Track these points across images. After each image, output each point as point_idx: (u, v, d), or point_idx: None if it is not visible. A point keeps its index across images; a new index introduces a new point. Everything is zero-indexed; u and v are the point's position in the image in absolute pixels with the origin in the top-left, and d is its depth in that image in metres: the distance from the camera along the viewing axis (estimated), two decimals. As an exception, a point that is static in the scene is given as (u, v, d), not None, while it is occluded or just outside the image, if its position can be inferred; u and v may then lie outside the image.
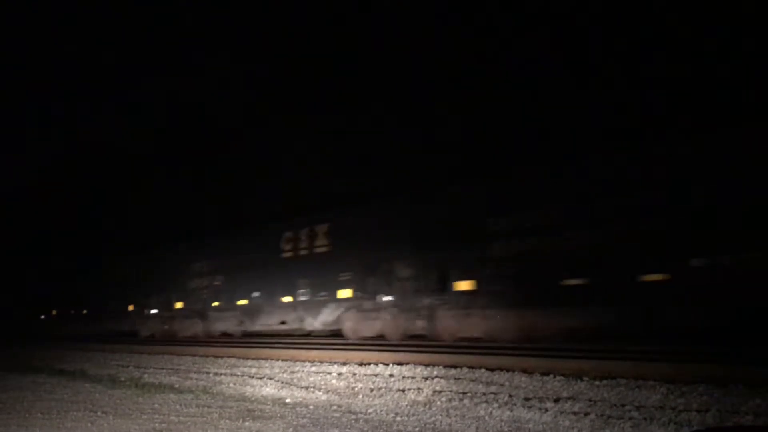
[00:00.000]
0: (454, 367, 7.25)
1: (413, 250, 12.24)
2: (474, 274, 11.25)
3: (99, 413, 5.75)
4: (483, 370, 6.92)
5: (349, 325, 13.60)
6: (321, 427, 4.92)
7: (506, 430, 4.72)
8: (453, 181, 12.81)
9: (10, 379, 8.94)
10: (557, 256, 10.11)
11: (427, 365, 7.56)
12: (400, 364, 7.83)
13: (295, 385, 7.03)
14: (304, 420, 5.20)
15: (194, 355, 11.44)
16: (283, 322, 15.33)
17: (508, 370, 6.81)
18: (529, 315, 10.28)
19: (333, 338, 14.24)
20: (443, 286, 11.64)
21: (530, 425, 4.80)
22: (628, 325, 9.22)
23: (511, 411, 5.17)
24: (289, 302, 15.24)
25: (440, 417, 5.18)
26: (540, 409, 5.13)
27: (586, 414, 4.86)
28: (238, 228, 19.14)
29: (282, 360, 9.59)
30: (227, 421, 5.24)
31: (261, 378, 7.72)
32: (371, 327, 13.12)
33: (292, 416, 5.38)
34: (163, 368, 9.68)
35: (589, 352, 8.24)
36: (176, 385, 7.67)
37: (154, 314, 21.06)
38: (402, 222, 12.70)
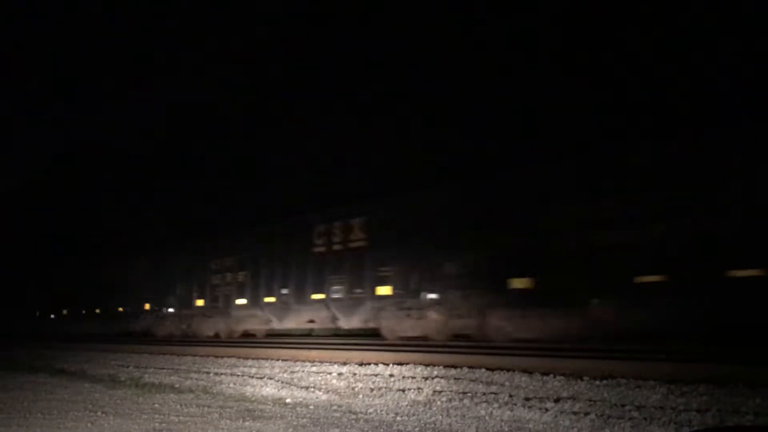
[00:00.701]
0: (454, 367, 7.25)
1: (180, 280, 19.60)
2: (204, 295, 18.42)
3: (99, 413, 5.75)
4: (483, 369, 6.91)
5: (154, 329, 20.52)
6: (321, 427, 4.92)
7: (506, 429, 4.72)
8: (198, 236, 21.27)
9: (10, 379, 8.95)
10: (235, 286, 17.14)
11: (427, 365, 7.56)
12: (400, 364, 7.82)
13: (295, 385, 7.03)
14: (304, 420, 5.20)
15: (194, 355, 11.44)
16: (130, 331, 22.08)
17: (508, 370, 6.80)
18: (225, 321, 17.57)
19: (333, 338, 14.35)
20: (191, 303, 18.96)
21: (530, 425, 4.80)
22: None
23: (512, 411, 5.17)
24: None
25: (440, 417, 5.18)
26: (540, 408, 5.13)
27: (587, 414, 4.86)
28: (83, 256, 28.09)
29: (282, 360, 9.59)
30: (227, 421, 5.24)
31: (261, 378, 7.71)
32: (164, 329, 20.13)
33: (292, 416, 5.38)
34: (163, 368, 9.68)
35: (590, 352, 8.24)
36: (176, 385, 7.67)
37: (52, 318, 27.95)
38: (173, 262, 20.25)
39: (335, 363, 8.43)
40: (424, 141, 25.01)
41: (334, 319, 13.92)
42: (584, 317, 9.47)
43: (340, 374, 7.46)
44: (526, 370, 6.75)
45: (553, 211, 9.97)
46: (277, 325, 15.74)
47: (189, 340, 17.45)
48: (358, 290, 13.27)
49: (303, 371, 7.94)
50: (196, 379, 8.15)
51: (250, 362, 9.48)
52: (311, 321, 14.61)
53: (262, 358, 9.88)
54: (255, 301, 16.14)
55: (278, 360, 9.58)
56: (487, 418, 5.08)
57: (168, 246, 21.95)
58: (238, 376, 8.09)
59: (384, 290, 12.65)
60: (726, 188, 8.43)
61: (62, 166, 39.81)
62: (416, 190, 13.26)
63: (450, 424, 4.92)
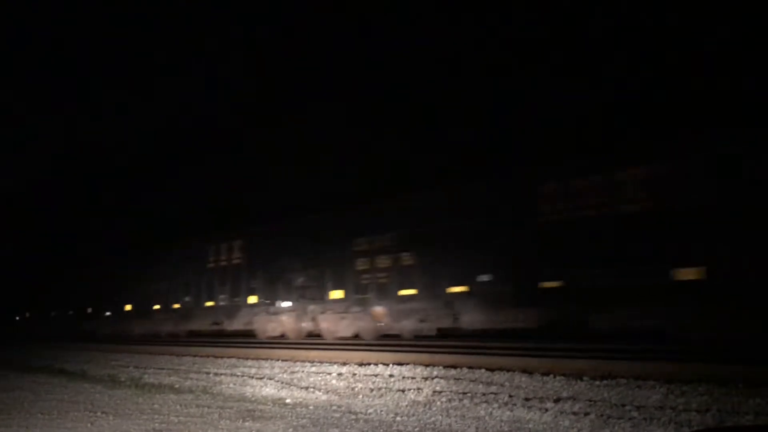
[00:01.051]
0: (454, 367, 7.24)
1: (115, 287, 22.22)
2: (132, 300, 21.32)
3: (99, 413, 5.75)
4: (483, 370, 6.90)
5: (96, 328, 22.94)
6: (321, 427, 4.91)
7: (506, 430, 4.71)
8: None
9: (11, 379, 8.95)
10: (154, 293, 20.01)
11: (427, 365, 7.55)
12: (400, 364, 7.82)
13: (295, 386, 7.03)
14: (304, 420, 5.20)
15: (194, 356, 11.43)
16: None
17: (508, 370, 6.80)
18: (148, 323, 20.16)
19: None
20: (123, 307, 21.67)
21: (530, 425, 4.80)
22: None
23: (512, 411, 5.17)
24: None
25: (440, 417, 5.18)
26: (540, 409, 5.13)
27: (586, 414, 4.86)
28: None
29: (282, 360, 9.57)
30: (227, 421, 5.24)
31: (261, 378, 7.71)
32: (104, 329, 22.63)
33: (292, 416, 5.38)
34: (163, 368, 9.68)
35: (589, 352, 8.23)
36: (176, 386, 7.67)
37: None
38: (111, 271, 23.14)
39: (335, 363, 8.42)
40: (424, 141, 25.02)
41: (222, 321, 16.97)
42: (370, 319, 12.78)
43: (339, 374, 7.46)
44: (525, 370, 6.75)
45: (352, 242, 13.27)
46: (183, 326, 18.57)
47: (125, 339, 19.79)
48: (236, 299, 16.38)
49: (303, 371, 7.94)
50: (196, 379, 8.15)
51: (249, 362, 9.47)
52: (215, 323, 17.12)
53: (262, 359, 9.87)
54: (166, 307, 19.19)
55: (278, 360, 9.57)
56: (487, 418, 5.08)
57: (106, 257, 25.76)
58: (237, 376, 8.09)
59: (253, 299, 15.87)
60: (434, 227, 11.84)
61: (62, 166, 39.87)
62: (286, 217, 16.57)
63: (450, 425, 4.92)
